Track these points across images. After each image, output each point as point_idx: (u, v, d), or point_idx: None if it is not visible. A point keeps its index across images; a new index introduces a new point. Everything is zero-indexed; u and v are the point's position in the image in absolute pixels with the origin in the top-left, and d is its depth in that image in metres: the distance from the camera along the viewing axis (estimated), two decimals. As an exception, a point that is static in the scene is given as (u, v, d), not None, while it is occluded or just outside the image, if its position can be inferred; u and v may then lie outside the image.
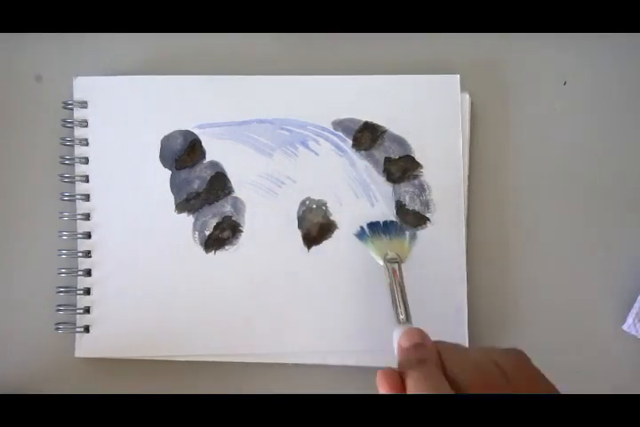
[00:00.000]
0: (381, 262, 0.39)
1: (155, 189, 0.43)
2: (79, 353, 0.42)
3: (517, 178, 0.44)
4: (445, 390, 0.29)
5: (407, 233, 0.41)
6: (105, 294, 0.42)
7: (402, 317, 0.37)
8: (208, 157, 0.43)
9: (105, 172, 0.43)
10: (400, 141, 0.43)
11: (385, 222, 0.41)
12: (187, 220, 0.43)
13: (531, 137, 0.44)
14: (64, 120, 0.43)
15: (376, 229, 0.41)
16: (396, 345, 0.34)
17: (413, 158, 0.43)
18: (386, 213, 0.42)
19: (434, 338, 0.33)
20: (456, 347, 0.33)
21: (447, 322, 0.41)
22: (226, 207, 0.43)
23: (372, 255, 0.40)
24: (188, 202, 0.43)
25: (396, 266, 0.39)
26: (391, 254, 0.40)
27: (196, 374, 0.43)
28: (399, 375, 0.31)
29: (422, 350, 0.32)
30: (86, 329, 0.42)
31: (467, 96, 0.43)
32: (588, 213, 0.43)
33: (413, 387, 0.30)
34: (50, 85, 0.45)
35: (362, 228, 0.41)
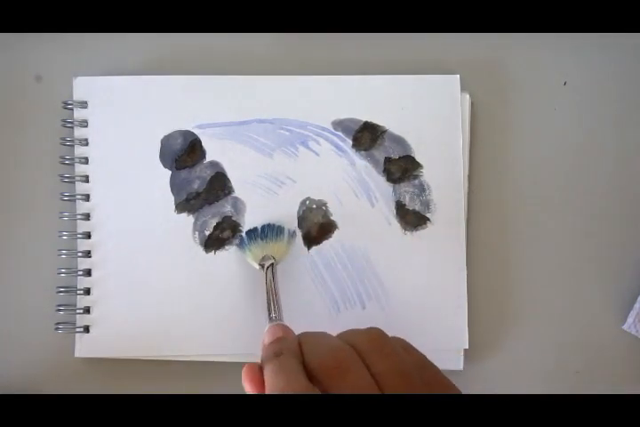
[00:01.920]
0: (257, 266, 0.40)
1: (155, 189, 0.43)
2: (79, 353, 0.42)
3: (517, 178, 0.44)
4: (299, 380, 0.29)
5: (286, 232, 0.41)
6: (105, 294, 0.42)
7: (273, 315, 0.37)
8: (208, 157, 0.43)
9: (105, 172, 0.43)
10: (400, 141, 0.43)
11: (263, 227, 0.42)
12: (187, 220, 0.43)
13: (531, 137, 0.44)
14: (64, 120, 0.43)
15: (253, 235, 0.41)
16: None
17: (413, 158, 0.43)
18: (386, 213, 0.42)
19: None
20: (318, 335, 0.32)
21: (447, 322, 0.41)
22: (226, 207, 0.43)
23: (249, 262, 0.41)
24: (188, 202, 0.43)
25: (268, 265, 0.40)
26: (266, 256, 0.40)
27: (196, 374, 0.43)
28: (260, 370, 0.31)
29: (281, 343, 0.32)
30: (86, 329, 0.42)
31: (467, 96, 0.43)
32: (588, 212, 0.43)
33: (269, 380, 0.29)
34: (50, 85, 0.45)
35: (241, 236, 0.42)
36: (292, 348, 0.31)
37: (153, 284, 0.42)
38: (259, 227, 0.42)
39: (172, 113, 0.43)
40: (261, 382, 0.30)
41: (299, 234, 0.42)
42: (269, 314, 0.37)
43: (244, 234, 0.42)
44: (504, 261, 0.43)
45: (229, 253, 0.42)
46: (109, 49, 0.45)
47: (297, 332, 0.34)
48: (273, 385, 0.29)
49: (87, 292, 0.42)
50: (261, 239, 0.41)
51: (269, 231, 0.41)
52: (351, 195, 0.42)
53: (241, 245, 0.42)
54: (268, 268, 0.39)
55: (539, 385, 0.42)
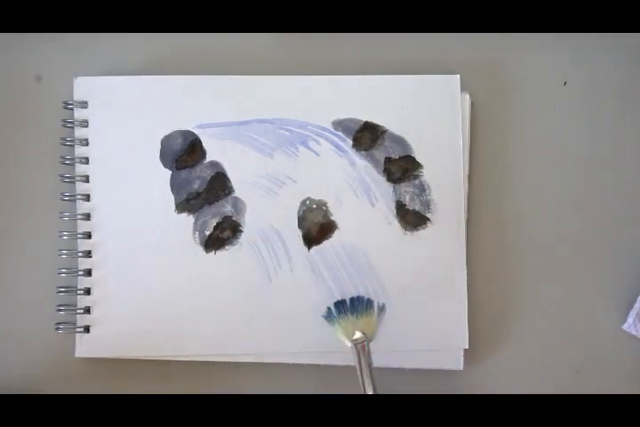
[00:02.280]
0: (349, 344, 0.39)
1: (155, 189, 0.43)
2: (79, 353, 0.42)
3: (517, 178, 0.44)
4: None
5: (375, 306, 0.41)
6: (105, 294, 0.42)
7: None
8: (208, 157, 0.43)
9: (105, 172, 0.43)
10: (400, 141, 0.43)
11: (352, 299, 0.41)
12: (187, 220, 0.43)
13: (531, 137, 0.44)
14: (64, 120, 0.43)
15: (342, 308, 0.41)
16: None
17: (413, 158, 0.43)
18: (386, 213, 0.42)
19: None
20: None
21: (447, 322, 0.41)
22: (226, 207, 0.43)
23: (340, 337, 0.40)
24: (188, 202, 0.43)
25: (362, 346, 0.39)
26: (358, 335, 0.39)
27: (196, 374, 0.43)
28: None
29: None
30: (86, 329, 0.42)
31: (467, 96, 0.43)
32: (588, 212, 0.43)
33: None
34: (50, 85, 0.45)
35: (329, 308, 0.41)
36: None
37: (153, 284, 0.42)
38: (347, 300, 0.41)
39: (172, 113, 0.43)
40: None
41: (299, 234, 0.42)
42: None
43: (331, 306, 0.41)
44: (504, 261, 0.43)
45: (229, 253, 0.42)
46: (109, 49, 0.45)
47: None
48: None
49: (87, 292, 0.42)
50: (351, 314, 0.40)
51: (359, 305, 0.41)
52: (351, 195, 0.42)
53: (329, 317, 0.41)
54: (360, 346, 0.38)
55: (539, 385, 0.42)
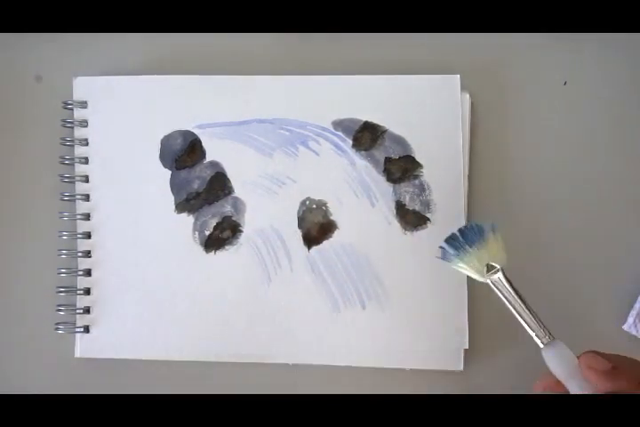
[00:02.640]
0: (484, 280, 0.35)
1: (155, 189, 0.43)
2: (79, 353, 0.42)
3: (517, 178, 0.44)
4: None
5: (486, 229, 0.36)
6: (105, 294, 0.42)
7: (545, 338, 0.35)
8: (208, 157, 0.43)
9: (105, 172, 0.43)
10: (400, 141, 0.43)
11: (461, 231, 0.37)
12: (187, 220, 0.43)
13: (531, 137, 0.44)
14: (64, 120, 0.43)
15: (457, 243, 0.36)
16: (560, 368, 0.34)
17: (413, 158, 0.43)
18: (386, 213, 0.42)
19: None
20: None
21: (447, 322, 0.41)
22: (226, 207, 0.43)
23: (469, 275, 0.36)
24: (188, 202, 0.43)
25: (499, 277, 0.35)
26: (488, 266, 0.35)
27: (196, 374, 0.43)
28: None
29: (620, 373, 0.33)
30: (86, 329, 0.42)
31: (467, 96, 0.43)
32: (588, 213, 0.43)
33: None
34: (50, 85, 0.45)
35: (442, 248, 0.37)
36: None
37: (153, 284, 0.42)
38: (457, 233, 0.37)
39: (171, 113, 0.43)
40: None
41: (299, 234, 0.42)
42: (539, 338, 0.35)
43: (444, 245, 0.37)
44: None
45: (229, 253, 0.42)
46: (109, 49, 0.45)
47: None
48: None
49: (87, 292, 0.42)
50: (469, 246, 0.36)
51: (473, 234, 0.36)
52: (351, 195, 0.42)
53: (447, 257, 0.37)
54: (497, 280, 0.35)
55: (539, 385, 0.42)
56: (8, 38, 0.45)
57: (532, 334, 0.35)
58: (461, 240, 0.36)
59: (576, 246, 0.43)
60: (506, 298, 0.35)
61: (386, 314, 0.41)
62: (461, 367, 0.41)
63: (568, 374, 0.34)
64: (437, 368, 0.41)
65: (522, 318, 0.35)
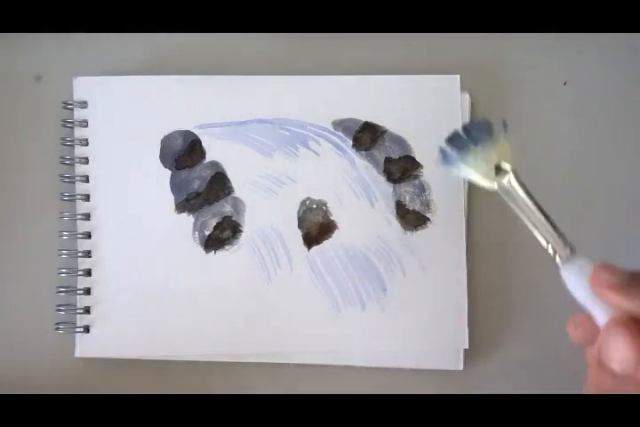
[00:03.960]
0: (492, 185, 0.30)
1: (155, 189, 0.43)
2: (79, 353, 0.42)
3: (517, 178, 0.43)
4: None
5: (494, 126, 0.31)
6: (105, 294, 0.42)
7: (565, 250, 0.28)
8: (208, 157, 0.43)
9: (105, 172, 0.43)
10: (400, 141, 0.43)
11: (465, 128, 0.31)
12: (187, 220, 0.43)
13: (530, 137, 0.44)
14: (64, 120, 0.43)
15: (460, 142, 0.31)
16: (581, 290, 0.28)
17: (413, 158, 0.43)
18: (386, 213, 0.42)
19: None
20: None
21: (447, 322, 0.41)
22: (226, 207, 0.43)
23: (475, 181, 0.30)
24: (188, 202, 0.43)
25: (509, 180, 0.29)
26: (497, 168, 0.29)
27: (196, 374, 0.42)
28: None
29: None
30: (86, 329, 0.42)
31: (467, 96, 0.43)
32: (588, 213, 0.43)
33: None
34: (50, 85, 0.45)
35: (441, 148, 0.31)
36: None
37: (153, 284, 0.42)
38: (460, 131, 0.31)
39: (172, 113, 0.43)
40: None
41: (299, 234, 0.42)
42: (556, 251, 0.28)
43: (443, 145, 0.31)
44: (504, 261, 0.43)
45: (229, 253, 0.42)
46: (109, 49, 0.45)
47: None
48: None
49: (87, 292, 0.42)
50: (475, 144, 0.30)
51: (479, 131, 0.31)
52: (351, 195, 0.42)
53: (447, 159, 0.31)
54: (507, 184, 0.29)
55: (539, 385, 0.42)
56: (8, 38, 0.45)
57: (550, 250, 0.29)
58: (465, 139, 0.31)
59: (576, 246, 0.43)
60: (518, 206, 0.30)
61: (386, 314, 0.41)
62: (461, 367, 0.41)
63: (592, 297, 0.28)
64: (437, 368, 0.42)
65: (536, 227, 0.29)
